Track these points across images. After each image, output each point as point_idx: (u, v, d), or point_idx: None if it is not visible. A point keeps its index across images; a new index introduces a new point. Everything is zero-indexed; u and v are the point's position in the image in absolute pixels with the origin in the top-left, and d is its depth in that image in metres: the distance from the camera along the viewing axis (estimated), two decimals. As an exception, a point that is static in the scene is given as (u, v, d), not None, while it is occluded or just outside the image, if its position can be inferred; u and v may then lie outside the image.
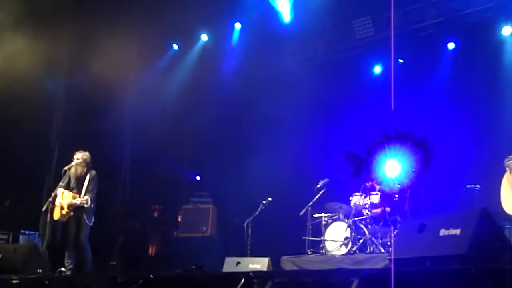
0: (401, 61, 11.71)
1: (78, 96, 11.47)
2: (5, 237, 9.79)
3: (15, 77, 9.95)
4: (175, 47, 12.88)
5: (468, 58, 10.72)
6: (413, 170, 9.20)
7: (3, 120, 10.23)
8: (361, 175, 10.17)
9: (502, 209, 7.42)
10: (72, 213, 8.03)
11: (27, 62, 10.14)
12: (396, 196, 9.13)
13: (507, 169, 7.59)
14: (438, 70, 11.12)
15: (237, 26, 12.29)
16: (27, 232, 10.17)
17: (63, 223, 8.21)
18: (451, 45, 11.07)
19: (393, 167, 9.69)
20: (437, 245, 4.25)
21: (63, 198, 8.07)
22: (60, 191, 8.16)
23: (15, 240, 9.83)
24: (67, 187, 8.22)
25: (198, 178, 13.42)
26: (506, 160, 7.62)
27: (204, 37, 12.62)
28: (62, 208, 8.05)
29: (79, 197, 8.01)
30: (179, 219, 11.97)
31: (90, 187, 8.12)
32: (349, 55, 11.95)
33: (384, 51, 11.36)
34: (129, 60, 11.91)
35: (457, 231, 4.17)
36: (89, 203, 7.97)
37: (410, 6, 10.72)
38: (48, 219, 8.18)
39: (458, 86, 10.77)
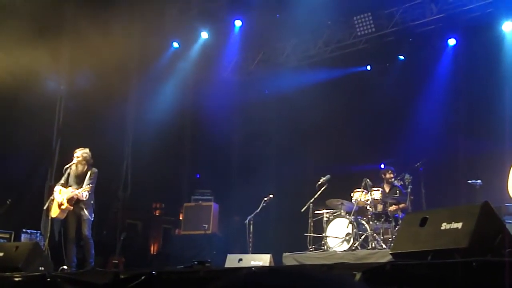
0: (401, 57, 11.76)
1: (80, 95, 11.48)
2: (7, 236, 9.78)
3: (16, 77, 9.95)
4: (175, 45, 12.85)
5: (469, 54, 10.71)
6: (416, 165, 9.21)
7: (5, 119, 10.25)
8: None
9: (508, 195, 7.34)
10: (71, 208, 8.02)
11: (28, 62, 10.14)
12: (398, 191, 9.18)
13: None
14: (439, 66, 11.12)
15: (238, 23, 12.27)
16: (29, 231, 10.16)
17: (64, 221, 8.22)
18: (451, 41, 11.08)
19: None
20: (439, 238, 4.26)
21: (61, 194, 8.08)
22: (57, 188, 8.19)
23: (17, 239, 9.80)
24: (66, 184, 8.22)
25: (197, 176, 13.41)
26: None
27: (204, 35, 12.59)
28: (61, 204, 8.05)
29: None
30: (181, 217, 11.97)
31: (89, 181, 8.07)
32: (350, 52, 11.94)
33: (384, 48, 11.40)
34: (129, 58, 11.90)
35: (458, 225, 4.18)
36: (88, 193, 7.93)
37: (410, 1, 10.71)
38: (50, 217, 8.22)
39: (458, 82, 10.78)
